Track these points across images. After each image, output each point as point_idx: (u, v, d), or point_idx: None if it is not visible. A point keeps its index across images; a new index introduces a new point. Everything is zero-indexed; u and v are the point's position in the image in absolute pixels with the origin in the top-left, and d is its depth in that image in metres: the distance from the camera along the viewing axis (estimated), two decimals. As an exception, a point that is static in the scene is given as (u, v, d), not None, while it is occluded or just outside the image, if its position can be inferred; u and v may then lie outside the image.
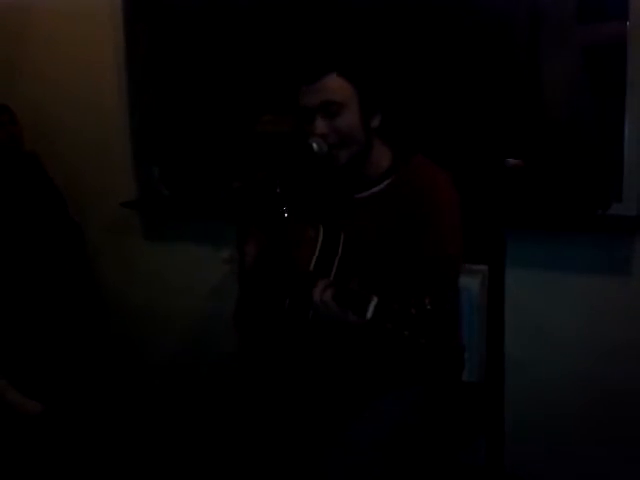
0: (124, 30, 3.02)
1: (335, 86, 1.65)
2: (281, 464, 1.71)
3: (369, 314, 1.36)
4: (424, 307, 1.29)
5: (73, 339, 2.92)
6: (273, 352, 1.80)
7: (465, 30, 2.37)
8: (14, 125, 2.99)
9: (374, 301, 1.36)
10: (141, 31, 3.05)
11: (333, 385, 1.75)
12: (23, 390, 2.54)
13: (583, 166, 2.28)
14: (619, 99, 2.14)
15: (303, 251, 1.68)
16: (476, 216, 1.87)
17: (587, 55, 2.24)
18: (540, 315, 2.31)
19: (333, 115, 1.65)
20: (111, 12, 3.00)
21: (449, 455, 1.81)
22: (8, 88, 3.15)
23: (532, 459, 2.38)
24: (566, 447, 2.34)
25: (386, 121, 1.75)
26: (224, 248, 2.70)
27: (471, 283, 2.00)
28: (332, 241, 1.69)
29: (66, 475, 2.45)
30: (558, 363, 2.30)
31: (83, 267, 3.14)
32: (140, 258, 3.19)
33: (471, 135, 2.40)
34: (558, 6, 2.25)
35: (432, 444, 1.73)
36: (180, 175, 3.12)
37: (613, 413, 2.25)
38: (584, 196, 2.26)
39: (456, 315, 1.89)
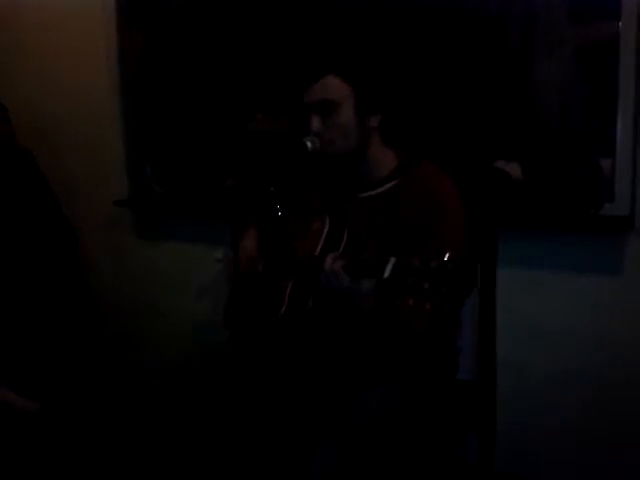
0: (117, 32, 3.04)
1: (331, 86, 1.69)
2: (269, 456, 1.72)
3: (387, 273, 1.37)
4: (444, 261, 1.29)
5: (67, 337, 2.92)
6: (263, 347, 1.81)
7: (457, 30, 2.38)
8: (7, 123, 2.98)
9: (392, 261, 1.37)
10: (134, 32, 3.06)
11: (324, 377, 1.76)
12: (19, 389, 2.53)
13: (576, 166, 2.28)
14: (612, 99, 2.15)
15: (307, 243, 1.71)
16: (468, 215, 1.87)
17: (580, 55, 2.25)
18: (532, 314, 2.32)
19: (328, 113, 1.69)
20: (105, 14, 3.03)
21: (441, 453, 1.81)
22: (4, 88, 3.14)
23: (523, 458, 2.39)
24: (557, 446, 2.35)
25: (389, 123, 1.77)
26: (217, 247, 2.71)
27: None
28: (336, 235, 1.71)
29: (63, 474, 2.45)
30: (550, 362, 2.31)
31: (75, 265, 3.13)
32: (133, 256, 3.19)
33: (464, 134, 2.41)
34: (551, 6, 2.26)
35: (424, 442, 1.74)
36: (173, 173, 3.12)
37: (605, 412, 2.26)
38: (576, 196, 2.26)
39: (455, 317, 1.89)
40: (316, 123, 1.70)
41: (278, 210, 1.69)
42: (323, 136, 1.69)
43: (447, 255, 1.28)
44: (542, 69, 2.32)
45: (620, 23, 2.11)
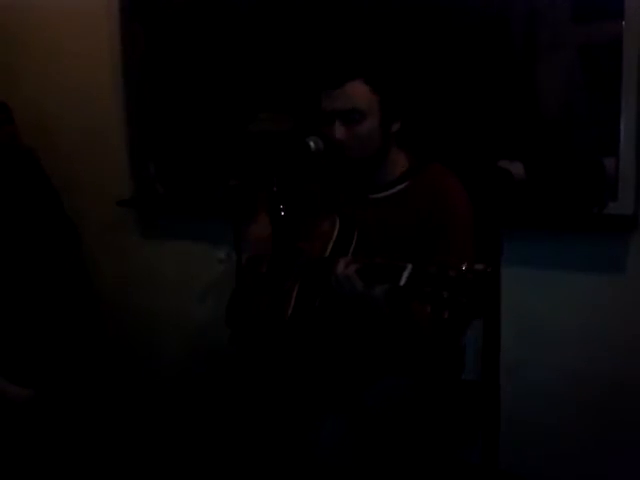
0: (120, 30, 3.04)
1: (359, 93, 1.65)
2: (274, 449, 1.72)
3: (403, 281, 1.34)
4: (462, 270, 1.26)
5: (68, 334, 2.92)
6: (270, 348, 1.81)
7: (460, 31, 2.38)
8: (11, 124, 2.98)
9: (408, 268, 1.35)
10: (137, 31, 3.06)
11: (330, 371, 1.76)
12: (15, 379, 2.53)
13: (579, 165, 2.28)
14: (615, 98, 2.14)
15: (316, 244, 1.70)
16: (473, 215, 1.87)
17: (583, 55, 2.25)
18: (535, 313, 2.31)
19: (353, 122, 1.65)
20: (108, 13, 3.02)
21: (445, 453, 1.81)
22: (7, 87, 3.15)
23: (527, 457, 2.39)
24: (561, 445, 2.35)
25: (404, 127, 1.75)
26: (220, 247, 2.72)
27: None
28: (346, 237, 1.69)
29: (55, 461, 2.45)
30: (553, 361, 2.31)
31: (78, 264, 3.13)
32: (136, 256, 3.19)
33: (467, 134, 2.41)
34: (554, 6, 2.26)
35: (429, 441, 1.74)
36: (176, 173, 3.12)
37: (608, 411, 2.26)
38: (580, 195, 2.26)
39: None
40: (341, 132, 1.66)
41: (281, 210, 1.68)
42: (346, 143, 1.67)
43: (465, 264, 1.25)
44: (545, 68, 2.32)
45: (623, 22, 2.11)
